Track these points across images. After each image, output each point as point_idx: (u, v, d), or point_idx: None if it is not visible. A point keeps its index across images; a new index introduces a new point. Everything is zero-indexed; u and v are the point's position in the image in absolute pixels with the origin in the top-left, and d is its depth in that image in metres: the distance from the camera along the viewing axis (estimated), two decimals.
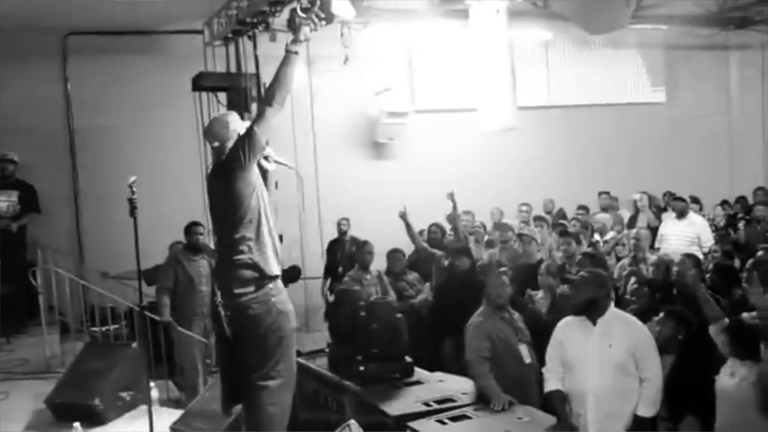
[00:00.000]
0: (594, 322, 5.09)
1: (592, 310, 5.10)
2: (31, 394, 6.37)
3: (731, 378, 4.92)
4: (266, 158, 4.57)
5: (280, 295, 4.40)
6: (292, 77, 4.25)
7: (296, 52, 4.31)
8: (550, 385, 5.18)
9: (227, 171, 4.21)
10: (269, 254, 4.34)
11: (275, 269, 4.38)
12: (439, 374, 6.12)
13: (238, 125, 4.38)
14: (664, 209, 10.51)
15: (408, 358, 6.05)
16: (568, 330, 5.24)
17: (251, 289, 4.27)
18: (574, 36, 10.67)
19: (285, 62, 4.27)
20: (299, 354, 6.68)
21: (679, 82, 12.98)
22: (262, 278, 4.29)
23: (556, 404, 5.10)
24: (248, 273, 4.27)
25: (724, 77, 13.13)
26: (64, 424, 5.48)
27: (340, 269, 9.20)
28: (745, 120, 13.10)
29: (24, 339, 8.09)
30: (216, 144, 4.36)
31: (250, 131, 4.17)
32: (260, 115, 4.24)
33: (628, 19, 7.09)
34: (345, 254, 9.49)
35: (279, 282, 4.42)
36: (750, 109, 13.20)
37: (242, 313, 4.29)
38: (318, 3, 6.86)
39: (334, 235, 9.85)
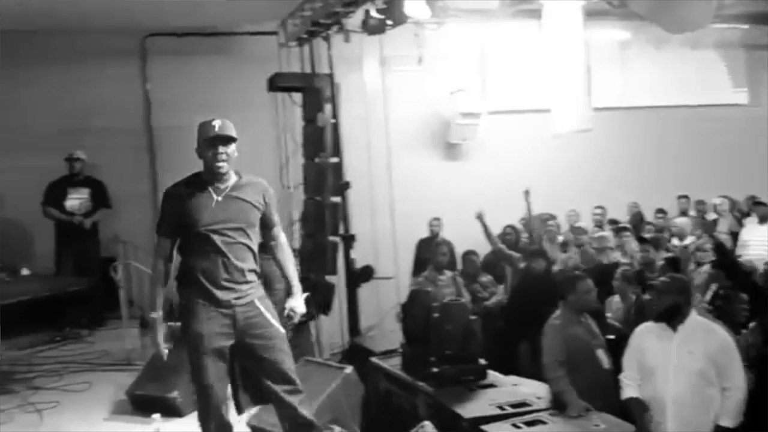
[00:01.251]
0: (674, 329, 5.01)
1: (673, 317, 5.04)
2: (112, 385, 6.53)
3: None
4: None
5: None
6: None
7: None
8: (628, 392, 5.10)
9: None
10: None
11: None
12: (513, 378, 6.09)
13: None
14: (747, 214, 10.25)
15: (482, 361, 6.04)
16: (647, 336, 5.14)
17: None
18: (651, 36, 10.47)
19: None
20: (373, 354, 6.78)
21: (761, 82, 12.68)
22: None
23: (635, 411, 5.02)
24: None
25: None
26: (143, 415, 5.58)
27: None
28: None
29: (105, 332, 8.37)
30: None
31: None
32: None
33: (711, 18, 6.94)
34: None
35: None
36: None
37: None
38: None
39: (410, 233, 9.87)
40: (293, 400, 4.33)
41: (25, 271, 8.78)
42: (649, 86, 12.05)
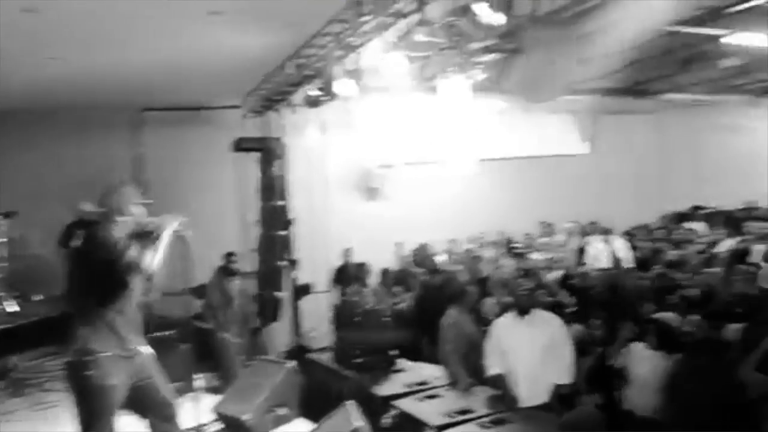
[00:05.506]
0: (523, 318, 5.12)
1: (523, 310, 5.17)
2: None
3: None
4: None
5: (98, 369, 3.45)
6: None
7: None
8: (493, 369, 5.19)
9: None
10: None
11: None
12: (418, 363, 6.11)
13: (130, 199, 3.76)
14: (590, 234, 10.46)
15: (394, 352, 6.03)
16: (505, 325, 5.28)
17: None
18: (521, 104, 10.66)
19: None
20: (311, 350, 6.71)
21: (601, 137, 12.92)
22: None
23: (499, 383, 5.12)
24: None
25: (632, 134, 13.09)
26: None
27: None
28: (646, 166, 13.08)
29: None
30: (103, 208, 3.72)
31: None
32: None
33: (561, 93, 7.11)
34: (349, 274, 9.44)
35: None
36: (650, 157, 13.21)
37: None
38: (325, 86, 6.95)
39: (341, 259, 9.76)
40: None
41: (36, 297, 8.39)
42: (520, 141, 12.16)
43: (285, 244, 8.57)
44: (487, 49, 7.44)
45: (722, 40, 7.04)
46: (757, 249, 8.94)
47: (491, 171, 11.45)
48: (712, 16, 6.35)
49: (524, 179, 11.70)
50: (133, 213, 3.69)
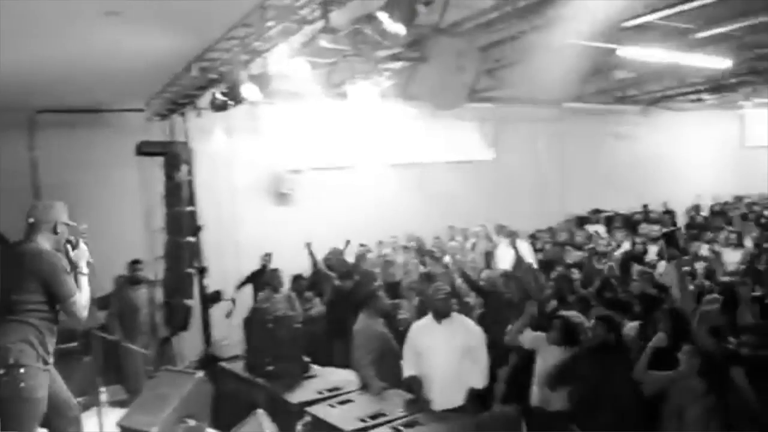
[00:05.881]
0: (440, 323, 5.21)
1: (440, 314, 5.22)
2: None
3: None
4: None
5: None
6: None
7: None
8: (408, 371, 5.21)
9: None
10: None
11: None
12: (331, 369, 6.09)
13: (60, 215, 3.89)
14: (497, 237, 10.73)
15: (306, 358, 5.99)
16: (421, 329, 5.33)
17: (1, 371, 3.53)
18: (429, 110, 10.84)
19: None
20: (221, 359, 6.55)
21: (503, 145, 13.28)
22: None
23: (413, 386, 5.13)
24: None
25: (535, 141, 13.55)
26: None
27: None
28: (548, 172, 13.56)
29: None
30: (32, 220, 3.81)
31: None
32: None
33: (464, 102, 7.29)
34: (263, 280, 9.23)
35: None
36: (552, 163, 13.71)
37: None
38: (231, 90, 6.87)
39: (252, 264, 9.39)
40: None
41: None
42: (428, 147, 12.33)
43: (193, 251, 8.35)
44: (395, 57, 7.57)
45: (617, 53, 7.46)
46: (653, 249, 9.52)
47: (401, 176, 11.63)
48: (609, 31, 6.72)
49: (433, 184, 11.87)
50: (60, 231, 3.84)
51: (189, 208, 8.35)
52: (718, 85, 11.69)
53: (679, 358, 4.54)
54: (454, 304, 5.76)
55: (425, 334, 5.25)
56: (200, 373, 5.37)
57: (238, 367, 6.13)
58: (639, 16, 6.38)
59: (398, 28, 4.75)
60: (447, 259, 9.49)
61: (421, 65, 6.99)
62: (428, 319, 5.33)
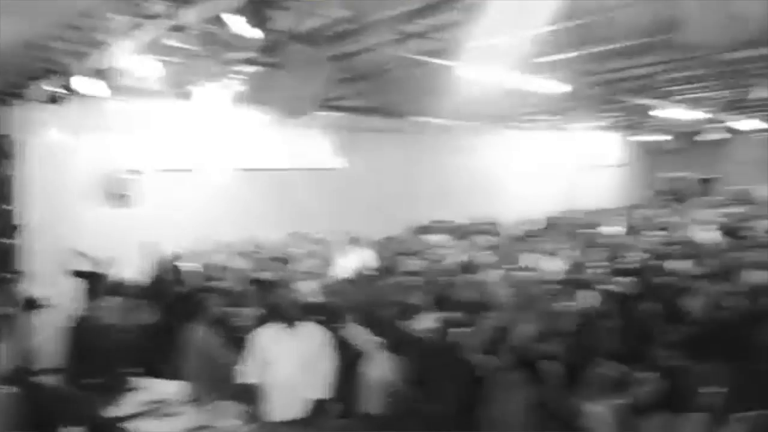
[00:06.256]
0: (287, 329, 5.11)
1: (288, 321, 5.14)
2: None
3: None
4: None
5: None
6: None
7: None
8: (247, 378, 5.06)
9: None
10: None
11: None
12: (161, 380, 5.82)
13: None
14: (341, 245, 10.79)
15: (137, 369, 5.69)
16: (266, 335, 5.17)
17: None
18: (278, 117, 10.69)
19: None
20: (37, 373, 6.04)
21: (354, 153, 13.39)
22: None
23: (251, 394, 5.00)
24: None
25: (382, 151, 13.84)
26: None
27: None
28: (394, 182, 13.91)
29: None
30: None
31: None
32: None
33: (313, 109, 7.29)
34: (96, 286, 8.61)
35: None
36: (398, 173, 14.09)
37: None
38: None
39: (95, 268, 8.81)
40: None
41: None
42: (277, 153, 12.15)
43: (9, 254, 7.64)
44: (248, 61, 7.42)
45: (456, 72, 7.79)
46: (484, 258, 10.05)
47: (248, 181, 11.40)
48: (454, 50, 7.01)
49: (280, 191, 11.80)
50: None
51: (6, 207, 7.66)
52: (555, 108, 12.62)
53: None
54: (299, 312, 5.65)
55: (271, 341, 5.09)
56: (10, 389, 4.92)
57: (55, 380, 5.69)
58: (482, 38, 6.66)
59: (251, 32, 4.68)
60: (292, 266, 9.42)
61: (273, 71, 6.91)
62: (274, 326, 5.18)
